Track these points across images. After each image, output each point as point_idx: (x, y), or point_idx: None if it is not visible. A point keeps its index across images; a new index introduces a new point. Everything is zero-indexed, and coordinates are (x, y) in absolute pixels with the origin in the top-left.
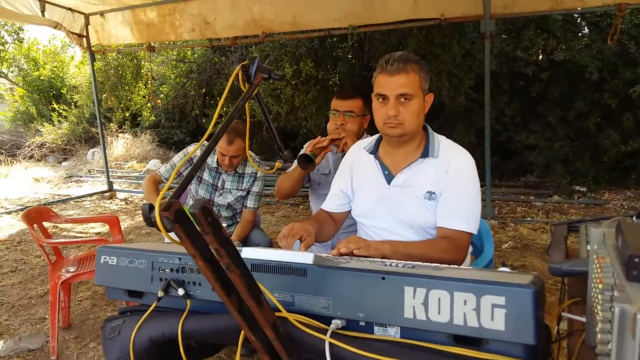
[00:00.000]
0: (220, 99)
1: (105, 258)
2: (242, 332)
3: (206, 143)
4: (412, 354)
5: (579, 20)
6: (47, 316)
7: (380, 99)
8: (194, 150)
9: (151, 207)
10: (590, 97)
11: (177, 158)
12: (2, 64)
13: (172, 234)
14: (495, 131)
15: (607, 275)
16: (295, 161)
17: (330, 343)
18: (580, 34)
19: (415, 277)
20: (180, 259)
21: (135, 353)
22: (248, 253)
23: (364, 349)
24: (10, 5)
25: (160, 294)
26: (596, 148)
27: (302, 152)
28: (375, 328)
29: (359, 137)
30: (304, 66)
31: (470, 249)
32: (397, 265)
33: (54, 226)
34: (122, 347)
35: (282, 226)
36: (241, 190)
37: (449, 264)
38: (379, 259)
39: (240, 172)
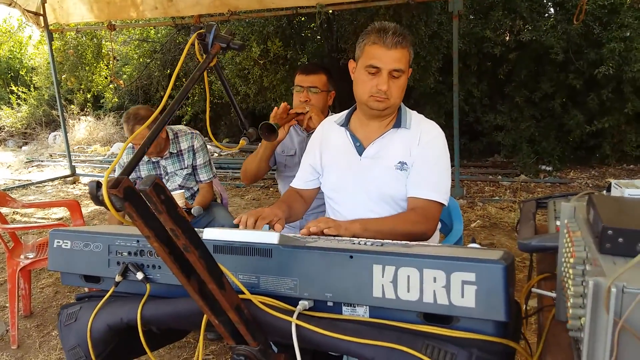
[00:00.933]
0: (186, 81)
1: (58, 242)
2: (205, 316)
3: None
4: (381, 334)
5: (545, 1)
6: (6, 305)
7: (372, 71)
8: (134, 134)
9: (99, 185)
10: (556, 77)
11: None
12: None
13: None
14: (463, 112)
15: (579, 249)
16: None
17: (297, 325)
18: (546, 15)
19: (384, 255)
20: (138, 241)
21: (93, 340)
22: (210, 234)
23: (332, 329)
24: None
25: (118, 278)
26: (561, 128)
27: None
28: (344, 308)
29: (324, 113)
30: (272, 45)
31: (439, 225)
32: (365, 244)
33: (13, 212)
34: (79, 335)
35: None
36: (185, 167)
37: (420, 235)
38: (348, 238)
39: (175, 151)
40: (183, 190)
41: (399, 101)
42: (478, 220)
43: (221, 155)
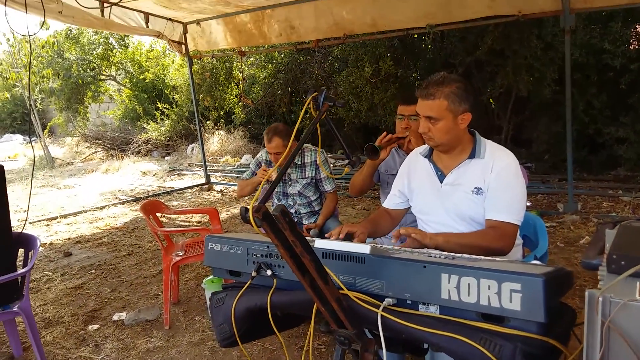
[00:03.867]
0: (305, 97)
1: (211, 245)
2: (315, 304)
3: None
4: (448, 327)
5: None
6: (159, 293)
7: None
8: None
9: (246, 209)
10: None
11: (252, 164)
12: (111, 67)
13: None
14: (583, 123)
15: (603, 269)
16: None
17: (382, 316)
18: None
19: (450, 267)
20: (268, 246)
21: (235, 319)
22: (320, 243)
23: (410, 321)
24: (119, 19)
25: (253, 273)
26: None
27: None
28: (420, 306)
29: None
30: (383, 65)
31: (521, 242)
32: (438, 257)
33: (162, 215)
34: (225, 314)
35: (361, 218)
36: (306, 177)
37: (497, 251)
38: (426, 251)
39: (299, 162)
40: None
41: (444, 141)
42: (588, 237)
43: (335, 166)
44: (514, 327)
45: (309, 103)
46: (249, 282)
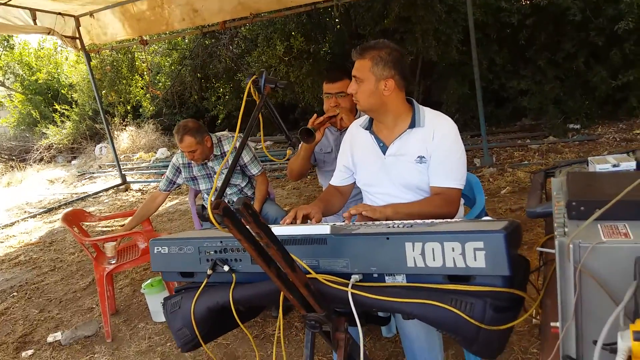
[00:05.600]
0: (216, 82)
1: (158, 248)
2: (282, 293)
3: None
4: (417, 294)
5: None
6: (94, 306)
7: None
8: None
9: (204, 207)
10: (577, 37)
11: (168, 171)
12: None
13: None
14: (487, 80)
15: (559, 216)
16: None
17: (352, 293)
18: None
19: (413, 234)
20: (221, 241)
21: (196, 320)
22: (278, 231)
23: (379, 294)
24: (2, 18)
25: (209, 272)
26: (586, 85)
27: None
28: (386, 278)
29: (352, 112)
30: (294, 42)
31: (463, 201)
32: (398, 226)
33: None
34: (184, 318)
35: (293, 198)
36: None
37: (444, 217)
38: (384, 223)
39: (219, 153)
40: (114, 243)
41: (367, 105)
42: (508, 187)
43: (257, 149)
44: (481, 284)
45: (250, 87)
46: (205, 281)
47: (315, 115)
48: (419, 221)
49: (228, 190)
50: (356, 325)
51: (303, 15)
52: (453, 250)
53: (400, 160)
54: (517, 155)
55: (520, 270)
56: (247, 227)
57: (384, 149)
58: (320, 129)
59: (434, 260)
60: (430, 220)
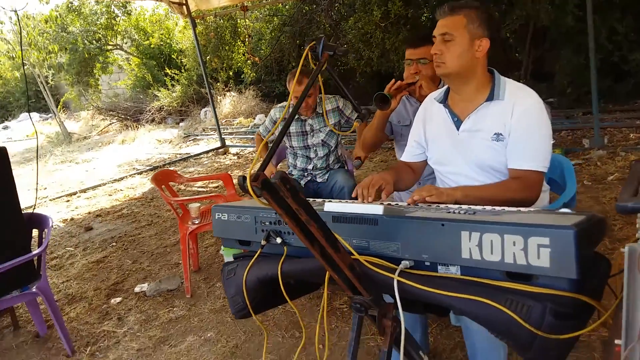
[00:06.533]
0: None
1: (218, 215)
2: (327, 272)
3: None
4: (469, 289)
5: None
6: (180, 262)
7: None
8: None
9: (244, 178)
10: None
11: (267, 120)
12: (117, 36)
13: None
14: (606, 51)
15: None
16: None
17: (399, 281)
18: None
19: (470, 223)
20: (276, 213)
21: (247, 290)
22: (330, 207)
23: (429, 285)
24: None
25: (263, 242)
26: None
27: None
28: (439, 267)
29: (434, 81)
30: (392, 6)
31: (549, 187)
32: (458, 212)
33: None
34: (237, 286)
35: (380, 170)
36: (328, 126)
37: (522, 202)
38: (446, 206)
39: (320, 111)
40: (199, 204)
41: (456, 67)
42: (616, 173)
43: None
44: (542, 286)
45: (307, 54)
46: (258, 252)
47: (393, 80)
48: (487, 208)
49: (319, 152)
50: (411, 312)
51: None
52: (514, 245)
53: (475, 136)
54: (633, 138)
55: (596, 273)
56: (287, 202)
57: (457, 123)
58: (396, 96)
59: (491, 253)
60: (500, 208)
